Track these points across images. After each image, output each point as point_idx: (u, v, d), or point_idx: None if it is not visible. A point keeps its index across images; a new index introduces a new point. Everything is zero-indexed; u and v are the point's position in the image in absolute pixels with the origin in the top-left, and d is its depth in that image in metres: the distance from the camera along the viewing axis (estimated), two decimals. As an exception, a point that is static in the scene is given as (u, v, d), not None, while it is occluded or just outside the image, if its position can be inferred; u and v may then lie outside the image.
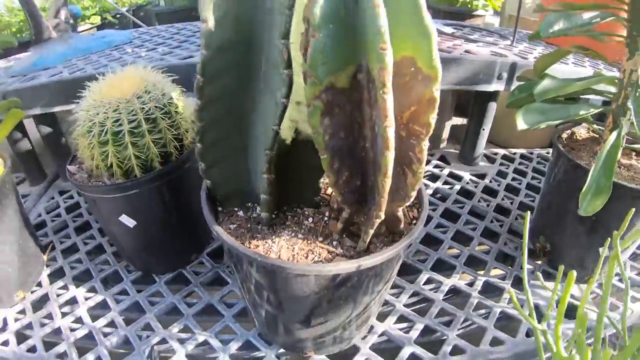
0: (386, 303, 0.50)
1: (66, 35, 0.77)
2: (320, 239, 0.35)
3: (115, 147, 0.43)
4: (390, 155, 0.25)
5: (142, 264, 0.56)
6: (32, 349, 0.48)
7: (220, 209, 0.39)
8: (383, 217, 0.30)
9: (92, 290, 0.55)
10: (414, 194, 0.30)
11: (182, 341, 0.46)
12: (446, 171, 0.78)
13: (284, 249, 0.34)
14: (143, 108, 0.43)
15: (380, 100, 0.24)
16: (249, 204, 0.39)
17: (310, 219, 0.37)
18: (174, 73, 0.49)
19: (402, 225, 0.35)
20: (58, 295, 0.56)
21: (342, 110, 0.27)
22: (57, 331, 0.51)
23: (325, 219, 0.38)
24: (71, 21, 0.82)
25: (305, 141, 0.34)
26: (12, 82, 0.69)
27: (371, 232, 0.32)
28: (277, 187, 0.34)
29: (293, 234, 0.36)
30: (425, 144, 0.28)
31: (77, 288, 0.56)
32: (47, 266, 0.61)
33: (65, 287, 0.57)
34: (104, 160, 0.44)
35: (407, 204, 0.32)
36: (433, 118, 0.27)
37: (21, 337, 0.50)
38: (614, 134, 0.45)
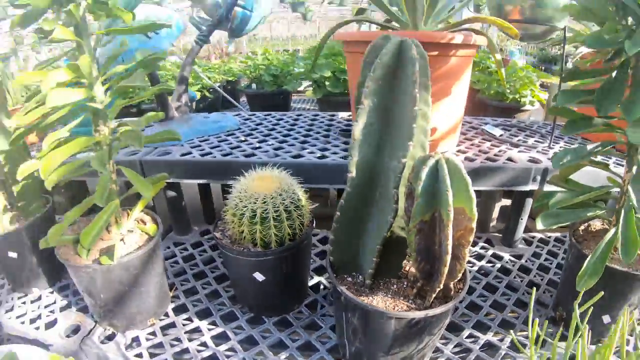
0: (437, 350, 0.86)
1: (186, 117, 1.24)
2: (402, 298, 0.73)
3: (262, 227, 0.84)
4: (449, 257, 0.63)
5: (256, 308, 0.95)
6: None
7: (334, 275, 0.79)
8: (441, 287, 0.68)
9: (213, 323, 0.94)
10: (460, 275, 0.68)
11: (288, 366, 0.84)
12: (490, 252, 1.15)
13: (380, 303, 0.72)
14: (283, 202, 0.84)
15: (446, 229, 0.63)
16: (355, 273, 0.78)
17: (395, 286, 0.76)
18: (288, 168, 0.91)
19: (452, 293, 0.73)
20: (183, 325, 0.95)
21: (425, 232, 0.66)
22: (185, 351, 0.88)
23: (404, 286, 0.76)
24: (189, 104, 1.29)
25: (396, 239, 0.74)
26: (146, 153, 1.14)
27: (433, 295, 0.70)
28: (377, 265, 0.74)
29: (384, 295, 0.74)
30: (467, 250, 0.66)
31: (200, 320, 0.95)
32: (172, 302, 1.01)
33: (189, 319, 0.96)
34: (252, 234, 0.85)
35: (456, 280, 0.69)
36: (472, 238, 0.66)
37: (152, 354, 0.88)
38: (612, 230, 0.81)
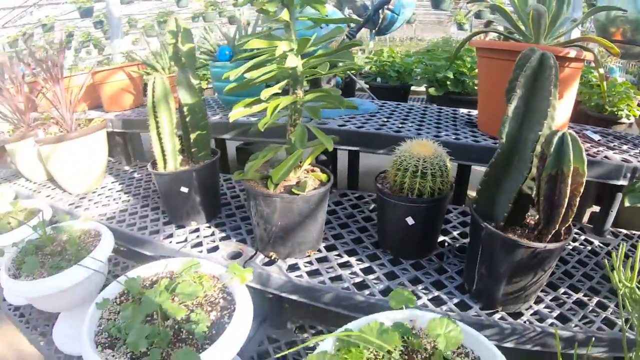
0: (538, 298, 1.38)
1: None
2: (524, 239, 1.27)
3: (420, 180, 1.38)
4: (566, 200, 1.17)
5: (397, 251, 1.48)
6: (322, 282, 1.39)
7: (479, 217, 1.33)
8: (557, 228, 1.22)
9: (360, 260, 1.46)
10: (570, 221, 1.22)
11: (423, 294, 1.36)
12: (582, 237, 1.68)
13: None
14: (438, 163, 1.39)
15: (566, 180, 1.16)
16: (488, 222, 1.33)
17: (519, 231, 1.28)
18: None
19: (562, 237, 1.26)
20: (335, 258, 1.49)
21: (550, 184, 1.21)
22: (339, 277, 1.41)
23: (526, 232, 1.30)
24: (337, 87, 1.87)
25: (524, 196, 1.29)
26: (306, 122, 1.72)
27: (549, 237, 1.24)
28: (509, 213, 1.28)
29: (512, 235, 1.28)
30: (577, 200, 1.20)
31: (349, 257, 1.49)
32: (322, 242, 1.56)
33: (339, 255, 1.49)
34: (411, 185, 1.39)
35: (565, 226, 1.23)
36: (582, 190, 1.20)
37: (313, 275, 1.41)
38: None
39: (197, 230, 1.66)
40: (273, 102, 1.29)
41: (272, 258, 1.46)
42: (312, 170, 1.49)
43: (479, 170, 1.82)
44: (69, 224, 1.58)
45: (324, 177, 1.45)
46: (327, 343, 0.88)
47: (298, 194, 1.34)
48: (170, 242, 1.59)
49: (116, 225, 1.77)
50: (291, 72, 1.29)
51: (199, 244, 1.56)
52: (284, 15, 1.20)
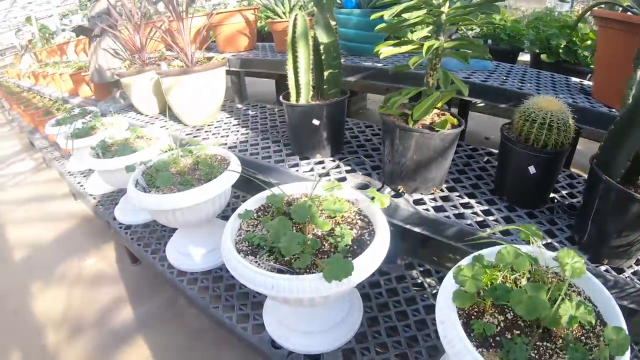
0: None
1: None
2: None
3: (547, 132, 1.40)
4: None
5: (513, 199, 1.50)
6: (447, 217, 1.44)
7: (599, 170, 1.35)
8: None
9: (479, 203, 1.51)
10: None
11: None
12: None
13: None
14: (563, 118, 1.40)
15: None
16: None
17: (632, 190, 1.31)
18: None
19: None
20: (456, 199, 1.53)
21: None
22: (461, 215, 1.46)
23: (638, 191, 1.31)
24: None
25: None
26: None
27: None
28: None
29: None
30: None
31: (469, 199, 1.54)
32: (445, 183, 1.61)
33: (460, 196, 1.54)
34: (537, 137, 1.42)
35: None
36: None
37: (437, 210, 1.47)
38: None
39: (322, 162, 1.74)
40: (428, 43, 1.32)
41: (400, 191, 1.51)
42: (443, 114, 1.52)
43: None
44: (197, 147, 1.67)
45: (455, 120, 1.49)
46: (465, 261, 0.97)
47: (437, 131, 1.38)
48: (297, 170, 1.67)
49: (239, 153, 1.85)
50: (435, 19, 1.33)
51: (326, 174, 1.64)
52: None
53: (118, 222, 2.14)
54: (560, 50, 2.27)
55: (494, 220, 1.41)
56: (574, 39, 2.25)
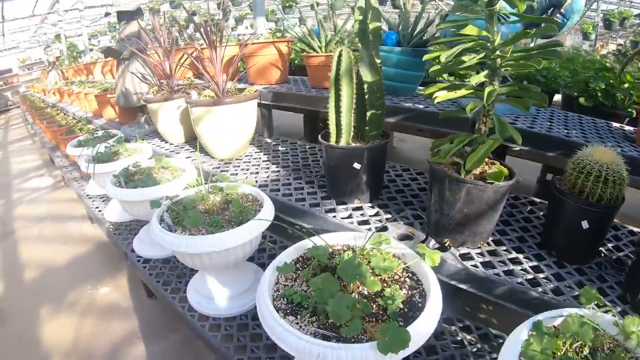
0: None
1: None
2: None
3: (602, 185, 1.27)
4: None
5: (562, 254, 1.36)
6: (497, 274, 1.28)
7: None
8: None
9: (527, 258, 1.38)
10: None
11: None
12: None
13: None
14: (619, 171, 1.27)
15: None
16: None
17: None
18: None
19: None
20: (504, 253, 1.37)
21: None
22: (510, 272, 1.32)
23: None
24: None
25: None
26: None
27: None
28: None
29: None
30: None
31: (517, 253, 1.40)
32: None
33: (507, 251, 1.39)
34: (592, 189, 1.29)
35: None
36: None
37: (486, 266, 1.32)
38: None
39: (360, 208, 1.64)
40: (488, 88, 1.23)
41: (446, 244, 1.40)
42: (493, 163, 1.41)
43: None
44: (229, 185, 1.57)
45: (506, 171, 1.38)
46: (524, 329, 0.92)
47: (492, 183, 1.27)
48: (334, 216, 1.56)
49: (270, 193, 1.75)
50: (491, 62, 1.24)
51: (365, 222, 1.54)
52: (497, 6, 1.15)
53: (136, 255, 2.03)
54: (599, 94, 2.16)
55: (544, 278, 1.29)
56: (612, 81, 2.15)
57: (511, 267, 1.33)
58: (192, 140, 2.54)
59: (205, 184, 1.56)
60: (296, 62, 3.57)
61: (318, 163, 2.13)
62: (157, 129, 2.57)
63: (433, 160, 1.36)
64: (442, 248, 1.41)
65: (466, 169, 1.33)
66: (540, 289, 1.24)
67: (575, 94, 2.24)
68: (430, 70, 1.36)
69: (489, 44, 1.23)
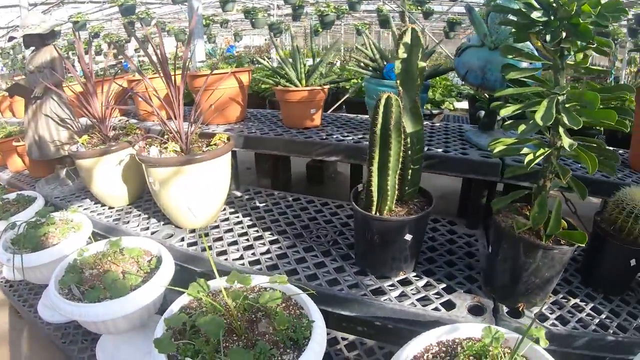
0: None
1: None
2: None
3: (632, 220, 1.23)
4: None
5: (607, 289, 1.33)
6: (575, 328, 1.18)
7: None
8: None
9: (583, 301, 1.30)
10: None
11: None
12: None
13: None
14: None
15: None
16: None
17: None
18: None
19: None
20: (566, 304, 1.28)
21: None
22: (580, 321, 1.23)
23: None
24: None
25: None
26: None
27: None
28: None
29: None
30: None
31: (573, 298, 1.30)
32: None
33: (565, 298, 1.30)
34: (631, 226, 1.23)
35: None
36: None
37: (564, 323, 1.20)
38: None
39: (407, 281, 1.40)
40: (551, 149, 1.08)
41: (520, 309, 1.26)
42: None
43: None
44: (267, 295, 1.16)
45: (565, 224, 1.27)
46: None
47: (572, 245, 1.16)
48: (387, 299, 1.29)
49: (294, 281, 1.37)
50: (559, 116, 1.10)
51: (425, 299, 1.32)
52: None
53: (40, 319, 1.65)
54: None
55: (607, 319, 1.25)
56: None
57: (580, 314, 1.26)
58: (140, 199, 1.96)
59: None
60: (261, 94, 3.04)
61: (317, 222, 1.79)
62: (90, 189, 1.92)
63: (522, 229, 1.17)
64: (515, 313, 1.26)
65: (547, 234, 1.17)
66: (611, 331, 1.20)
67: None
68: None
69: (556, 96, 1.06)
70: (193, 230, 1.71)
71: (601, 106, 0.99)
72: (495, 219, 1.26)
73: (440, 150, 1.64)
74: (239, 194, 2.07)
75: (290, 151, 1.84)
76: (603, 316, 1.25)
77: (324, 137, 1.80)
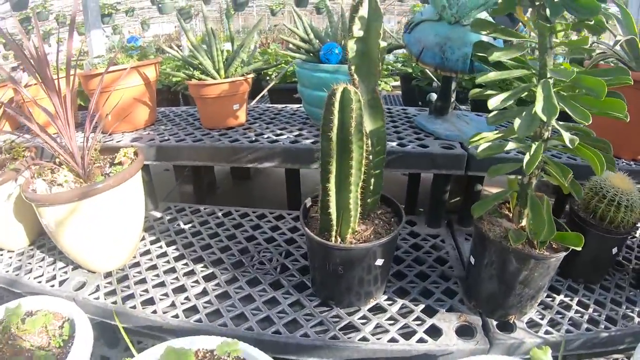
0: None
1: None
2: None
3: (613, 209, 1.11)
4: None
5: (587, 278, 1.24)
6: (570, 332, 1.08)
7: None
8: None
9: (569, 296, 1.17)
10: None
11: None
12: None
13: None
14: (632, 198, 1.14)
15: None
16: None
17: None
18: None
19: None
20: (555, 306, 1.15)
21: None
22: (584, 316, 1.11)
23: None
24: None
25: None
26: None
27: None
28: None
29: None
30: None
31: (564, 297, 1.17)
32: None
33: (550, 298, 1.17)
34: (614, 215, 1.11)
35: None
36: None
37: (554, 326, 1.09)
38: None
39: (379, 308, 1.16)
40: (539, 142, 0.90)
41: (511, 321, 1.10)
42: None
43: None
44: None
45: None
46: None
47: (568, 249, 1.00)
48: (361, 338, 1.06)
49: (242, 331, 1.07)
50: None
51: (406, 328, 1.09)
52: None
53: None
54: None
55: (594, 312, 1.16)
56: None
57: (568, 313, 1.15)
58: (42, 235, 1.49)
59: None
60: (174, 89, 2.49)
61: (256, 242, 1.45)
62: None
63: (515, 243, 0.96)
64: (506, 326, 1.10)
65: (541, 240, 1.00)
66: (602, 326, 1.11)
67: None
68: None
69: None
70: (110, 274, 1.31)
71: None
72: (480, 228, 1.05)
73: (394, 144, 1.38)
74: (158, 214, 1.65)
75: (215, 160, 1.46)
76: (590, 310, 1.16)
77: (254, 139, 1.46)
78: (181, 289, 1.22)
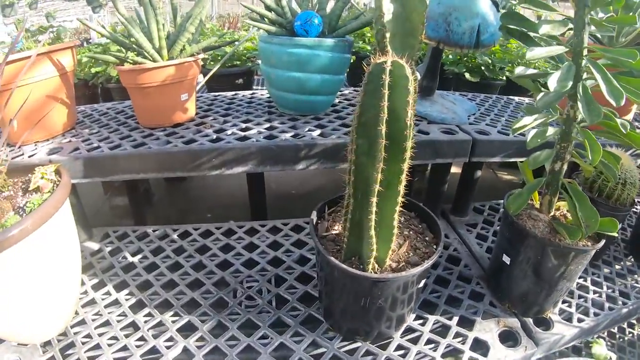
0: None
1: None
2: None
3: (619, 187, 1.10)
4: None
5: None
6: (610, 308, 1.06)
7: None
8: None
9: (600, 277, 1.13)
10: None
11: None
12: None
13: None
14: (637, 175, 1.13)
15: None
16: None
17: None
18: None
19: None
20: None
21: None
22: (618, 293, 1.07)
23: None
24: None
25: None
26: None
27: None
28: None
29: None
30: None
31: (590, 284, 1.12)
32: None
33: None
34: (620, 192, 1.09)
35: None
36: None
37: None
38: None
39: (409, 330, 0.97)
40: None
41: (547, 316, 1.02)
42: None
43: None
44: None
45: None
46: None
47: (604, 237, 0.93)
48: None
49: None
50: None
51: (451, 349, 0.94)
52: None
53: None
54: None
55: (608, 289, 1.15)
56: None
57: (589, 296, 1.11)
58: None
59: None
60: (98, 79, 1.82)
61: (233, 268, 1.11)
62: None
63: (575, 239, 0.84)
64: (542, 322, 1.01)
65: (588, 234, 0.90)
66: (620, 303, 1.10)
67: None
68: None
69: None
70: (49, 343, 0.89)
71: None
72: (521, 225, 0.91)
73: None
74: (95, 246, 1.18)
75: (167, 169, 1.07)
76: (605, 288, 1.14)
77: (214, 138, 1.12)
78: (153, 353, 0.87)
